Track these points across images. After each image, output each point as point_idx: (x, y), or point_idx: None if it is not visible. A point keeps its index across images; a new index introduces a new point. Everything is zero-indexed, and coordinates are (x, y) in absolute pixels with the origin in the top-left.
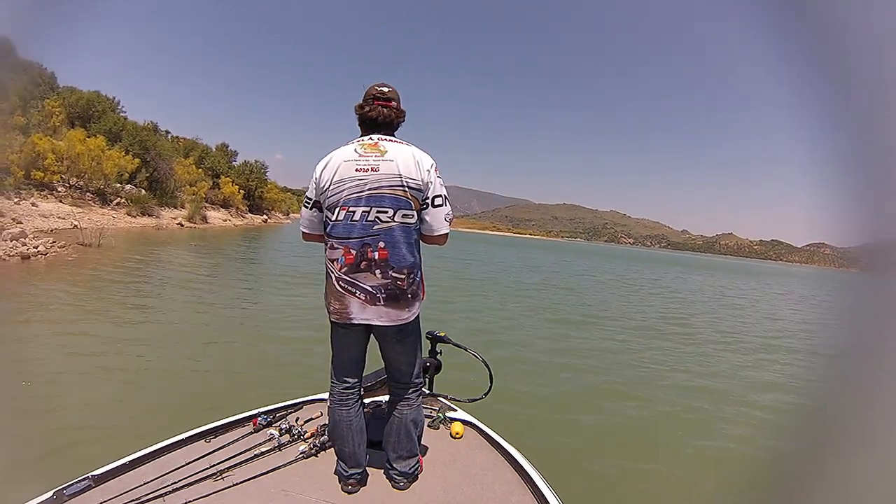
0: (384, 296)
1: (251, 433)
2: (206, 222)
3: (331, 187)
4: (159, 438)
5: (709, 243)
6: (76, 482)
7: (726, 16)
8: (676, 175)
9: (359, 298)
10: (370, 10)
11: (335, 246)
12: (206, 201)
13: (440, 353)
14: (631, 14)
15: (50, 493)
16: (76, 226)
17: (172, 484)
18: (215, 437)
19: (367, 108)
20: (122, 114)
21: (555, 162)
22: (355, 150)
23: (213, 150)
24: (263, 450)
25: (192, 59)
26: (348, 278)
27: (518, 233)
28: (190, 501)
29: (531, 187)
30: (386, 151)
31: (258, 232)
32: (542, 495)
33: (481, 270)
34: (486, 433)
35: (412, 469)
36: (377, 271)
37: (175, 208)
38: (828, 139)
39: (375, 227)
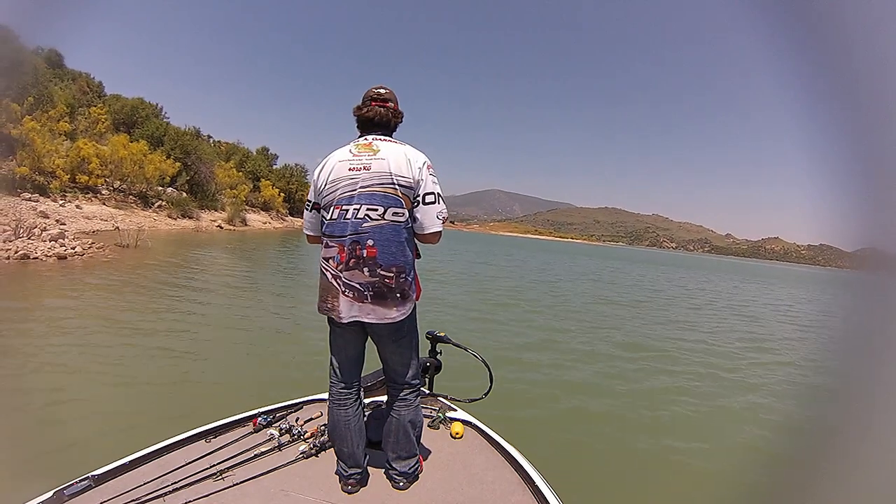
0: (371, 293)
1: (251, 433)
2: (246, 225)
3: (326, 187)
4: (160, 438)
5: (754, 248)
6: (76, 482)
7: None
8: (719, 177)
9: (347, 296)
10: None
11: (330, 244)
12: (247, 204)
13: (440, 353)
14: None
15: (50, 493)
16: (117, 227)
17: (172, 484)
18: (215, 437)
19: (364, 109)
20: (165, 119)
21: (597, 164)
22: (350, 150)
23: (254, 153)
24: (263, 450)
25: (245, 71)
26: (341, 276)
27: (560, 236)
28: (190, 501)
29: (573, 191)
30: (378, 150)
31: (297, 235)
32: (542, 495)
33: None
34: (486, 433)
35: (412, 469)
36: (365, 269)
37: (215, 211)
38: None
39: (365, 224)
